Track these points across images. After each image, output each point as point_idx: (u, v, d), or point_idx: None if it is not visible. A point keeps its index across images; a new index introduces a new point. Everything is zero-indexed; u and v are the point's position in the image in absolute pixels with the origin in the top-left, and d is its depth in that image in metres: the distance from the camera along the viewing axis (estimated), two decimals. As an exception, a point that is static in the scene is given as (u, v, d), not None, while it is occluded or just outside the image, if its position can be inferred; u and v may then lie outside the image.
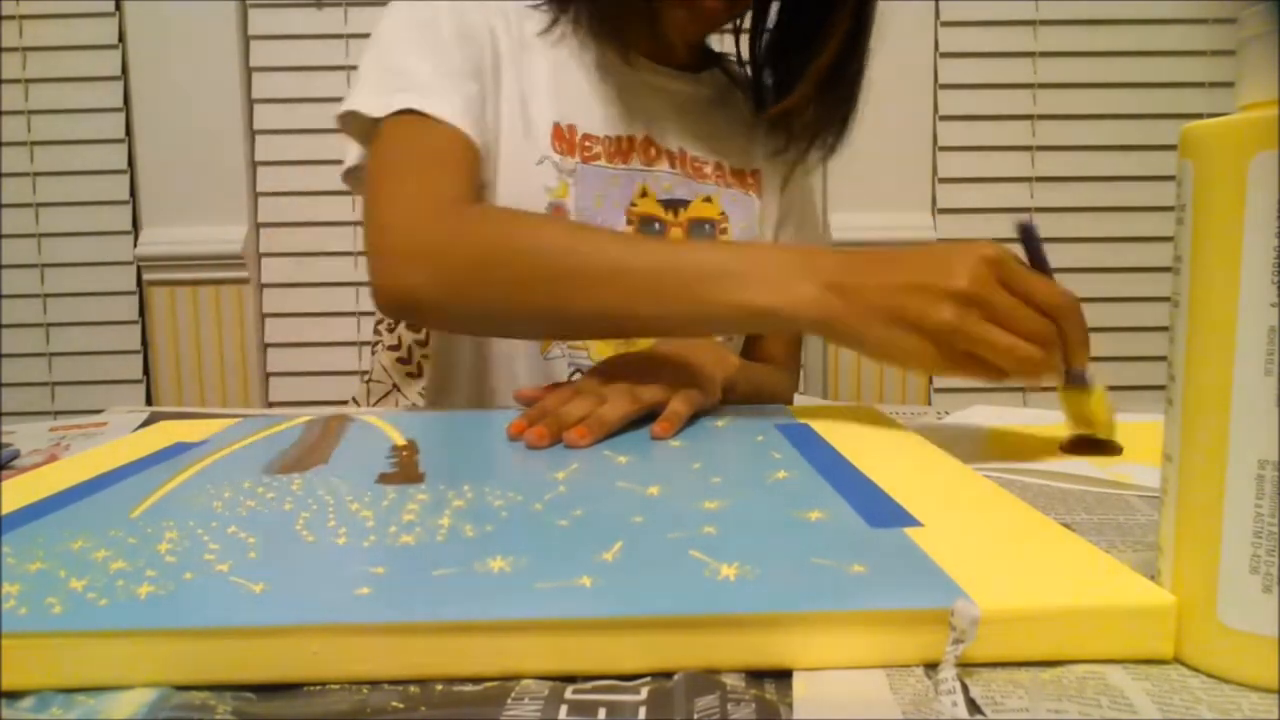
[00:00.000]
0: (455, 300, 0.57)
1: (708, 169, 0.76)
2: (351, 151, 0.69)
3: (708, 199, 0.74)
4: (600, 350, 0.72)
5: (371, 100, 0.64)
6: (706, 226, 0.74)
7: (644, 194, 0.72)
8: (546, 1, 0.72)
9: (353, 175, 0.70)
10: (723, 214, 0.74)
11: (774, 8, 0.76)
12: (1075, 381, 0.48)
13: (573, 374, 0.71)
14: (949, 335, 0.45)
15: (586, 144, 0.71)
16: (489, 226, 0.58)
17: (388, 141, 0.63)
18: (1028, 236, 0.50)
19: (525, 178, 0.69)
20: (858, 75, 0.73)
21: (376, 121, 0.64)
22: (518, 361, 0.72)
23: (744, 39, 0.79)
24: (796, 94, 0.71)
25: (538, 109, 0.70)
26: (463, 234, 0.57)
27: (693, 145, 0.76)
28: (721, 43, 0.82)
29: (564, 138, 0.70)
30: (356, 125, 0.66)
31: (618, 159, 0.72)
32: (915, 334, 0.46)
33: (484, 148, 0.67)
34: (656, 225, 0.72)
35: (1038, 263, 0.49)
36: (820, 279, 0.48)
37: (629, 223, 0.71)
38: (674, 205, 0.73)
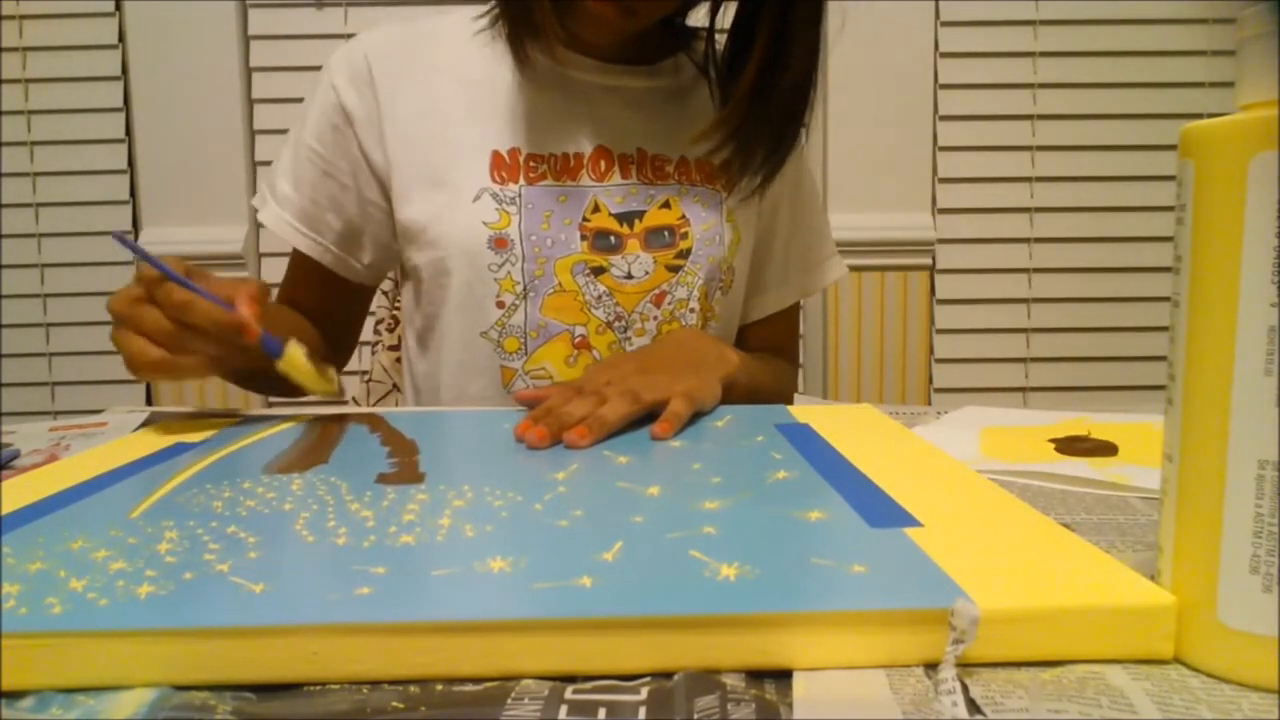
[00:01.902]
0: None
1: (669, 167, 0.72)
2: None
3: (666, 204, 0.71)
4: (565, 374, 0.70)
5: (257, 199, 0.75)
6: (665, 233, 0.71)
7: (596, 209, 0.70)
8: (508, 30, 0.69)
9: None
10: (682, 218, 0.71)
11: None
12: (270, 350, 0.53)
13: None
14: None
15: (531, 164, 0.69)
16: None
17: None
18: (123, 243, 0.54)
19: (458, 220, 0.68)
20: (794, 90, 0.67)
21: None
22: (475, 399, 0.72)
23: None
24: (725, 110, 0.68)
25: (473, 141, 0.69)
26: None
27: (651, 143, 0.72)
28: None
29: (505, 164, 0.69)
30: None
31: (565, 176, 0.70)
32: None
33: (346, 232, 0.73)
34: (612, 239, 0.69)
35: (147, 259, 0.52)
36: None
37: (584, 238, 0.69)
38: (629, 217, 0.70)
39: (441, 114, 0.70)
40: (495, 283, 0.68)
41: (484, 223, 0.68)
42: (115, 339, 0.52)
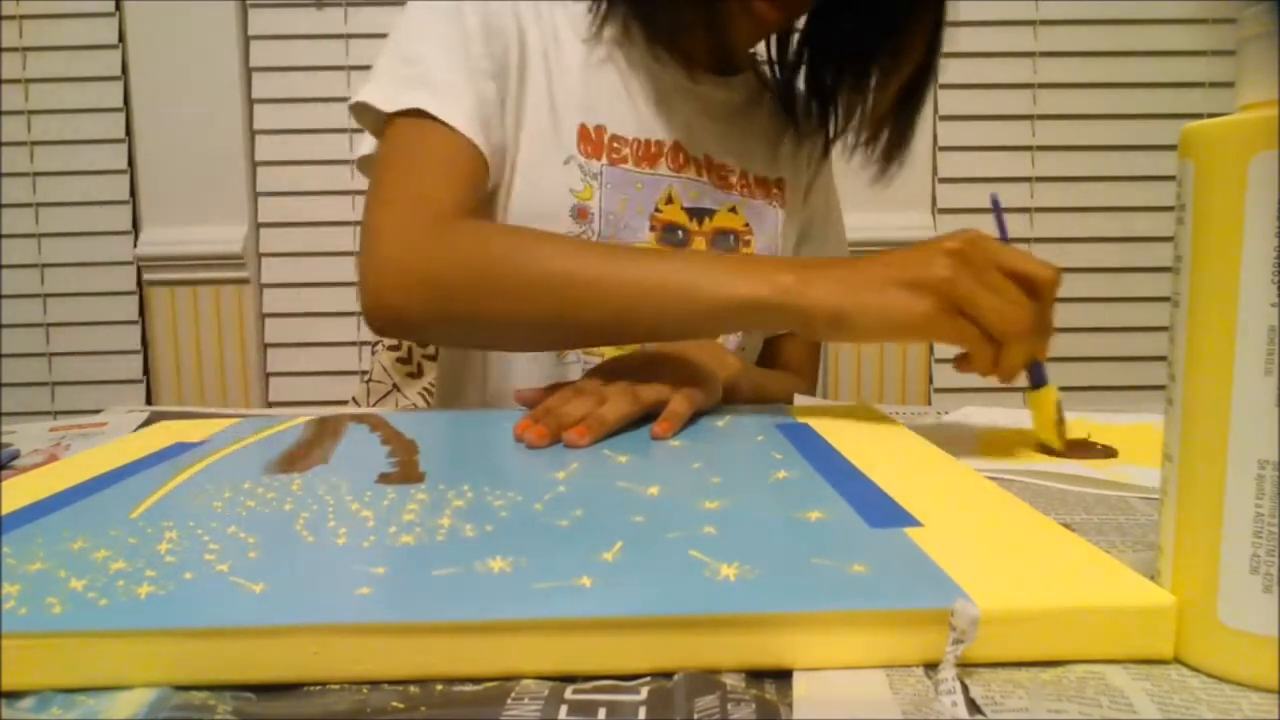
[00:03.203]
0: (444, 321, 0.57)
1: (733, 178, 0.75)
2: (365, 141, 0.67)
3: (733, 209, 0.73)
4: (612, 355, 0.70)
5: (381, 93, 0.63)
6: (730, 237, 0.72)
7: (669, 200, 0.70)
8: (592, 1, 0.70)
9: (366, 162, 0.68)
10: (746, 225, 0.73)
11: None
12: (1036, 378, 0.49)
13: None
14: (947, 288, 0.45)
15: (614, 146, 0.70)
16: (480, 245, 0.57)
17: (391, 142, 0.63)
18: (995, 207, 0.51)
19: (551, 177, 0.67)
20: (926, 89, 0.69)
21: (388, 114, 0.63)
22: (530, 364, 0.71)
23: (773, 40, 0.77)
24: (872, 118, 0.69)
25: (566, 109, 0.68)
26: (454, 252, 0.56)
27: (720, 152, 0.74)
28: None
29: (591, 139, 0.69)
30: (368, 116, 0.65)
31: (644, 163, 0.70)
32: (909, 291, 0.46)
33: (497, 149, 0.66)
34: (679, 233, 0.70)
35: (1004, 235, 0.50)
36: (805, 273, 0.49)
37: (652, 229, 0.69)
38: (699, 214, 0.71)
39: (549, 75, 0.68)
40: None
41: (570, 189, 0.68)
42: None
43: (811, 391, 0.85)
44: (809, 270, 0.49)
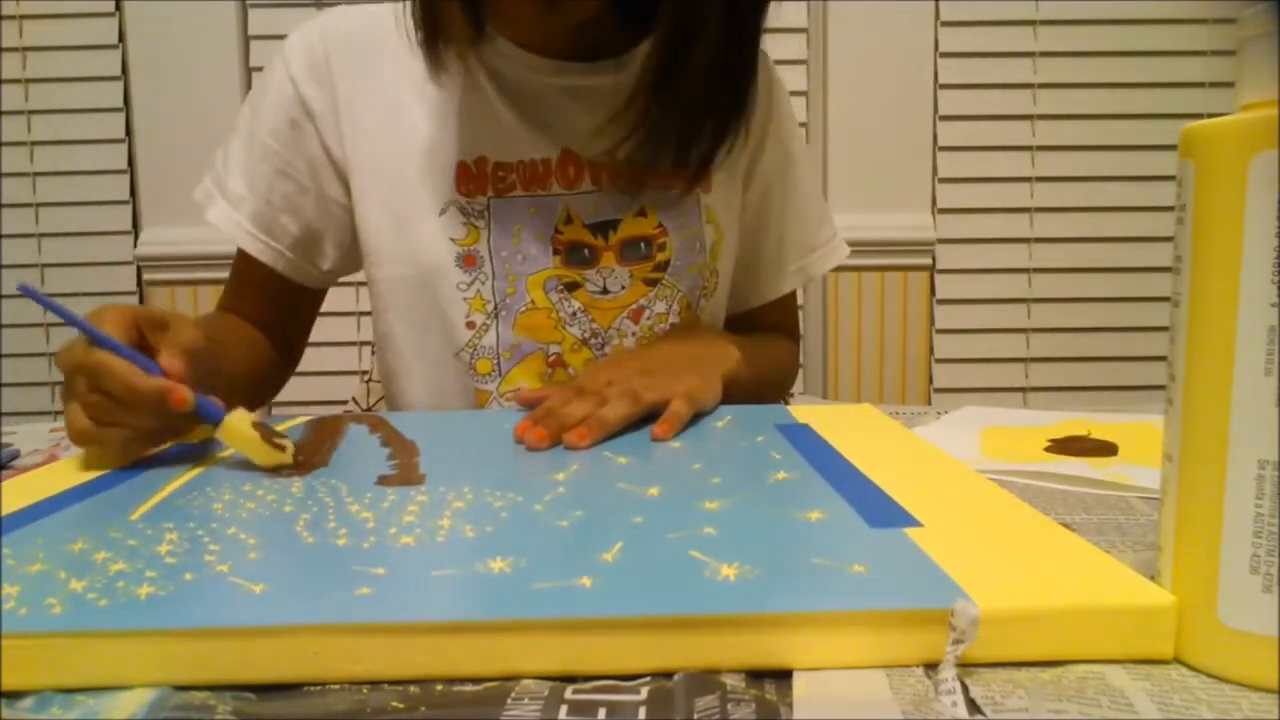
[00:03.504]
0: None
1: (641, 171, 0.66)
2: None
3: (641, 212, 0.67)
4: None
5: (203, 191, 0.70)
6: (641, 245, 0.67)
7: (569, 219, 0.65)
8: (421, 34, 0.63)
9: None
10: (659, 227, 0.67)
11: None
12: (207, 416, 0.44)
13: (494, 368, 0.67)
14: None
15: (500, 174, 0.65)
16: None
17: None
18: (31, 295, 0.45)
19: (425, 231, 0.65)
20: (702, 79, 0.60)
21: None
22: (427, 364, 0.68)
23: None
24: (623, 102, 0.62)
25: (438, 151, 0.65)
26: None
27: (617, 147, 0.65)
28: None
29: (471, 175, 0.65)
30: None
31: (534, 185, 0.65)
32: None
33: (301, 238, 0.69)
34: (585, 251, 0.66)
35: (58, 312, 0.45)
36: None
37: (555, 252, 0.65)
38: (602, 228, 0.66)
39: (404, 118, 0.66)
40: (465, 302, 0.65)
41: (451, 239, 0.64)
42: (62, 399, 0.46)
43: (798, 352, 0.82)
44: None
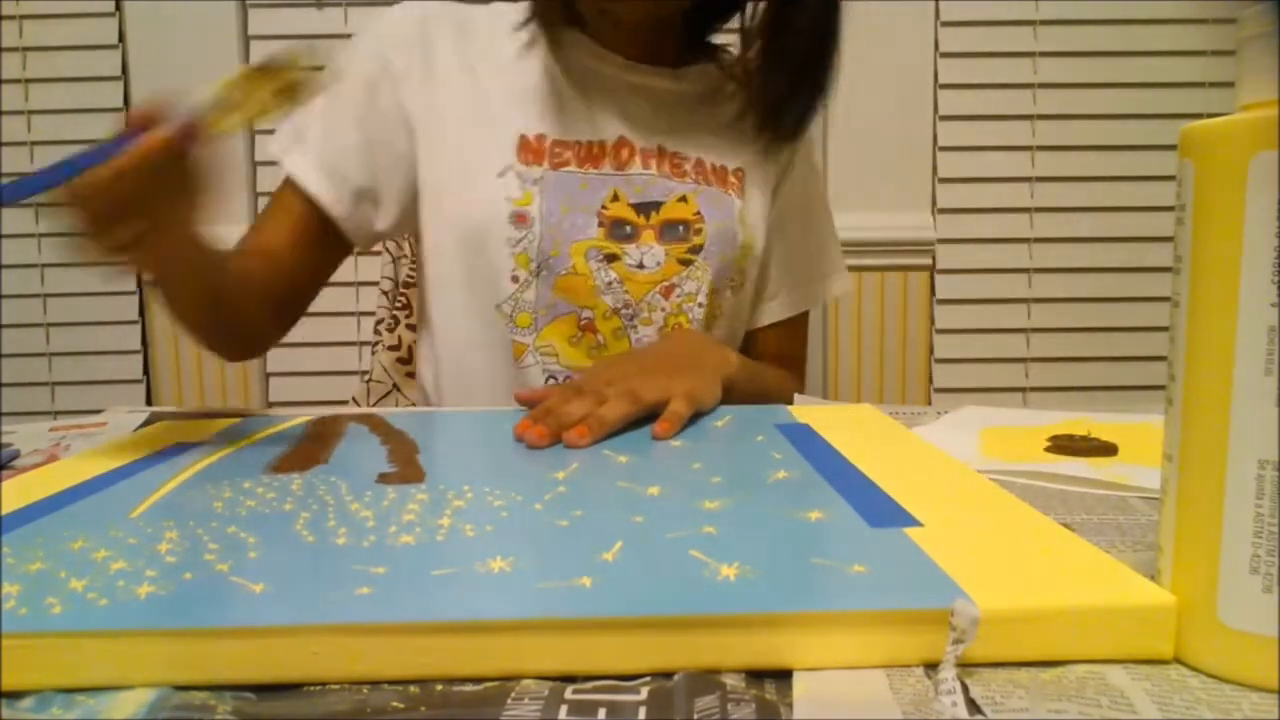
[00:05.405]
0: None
1: (687, 165, 0.75)
2: None
3: (683, 199, 0.73)
4: (568, 353, 0.71)
5: (278, 143, 0.73)
6: (680, 228, 0.73)
7: (615, 198, 0.72)
8: (524, 17, 0.73)
9: None
10: (698, 214, 0.73)
11: None
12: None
13: (547, 380, 0.71)
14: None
15: (557, 150, 0.71)
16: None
17: None
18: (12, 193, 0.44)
19: (485, 187, 0.70)
20: (810, 32, 0.70)
21: None
22: (488, 373, 0.73)
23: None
24: (740, 53, 0.72)
25: (504, 122, 0.72)
26: None
27: (671, 141, 0.75)
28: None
29: (531, 148, 0.71)
30: None
31: (588, 164, 0.72)
32: None
33: (367, 187, 0.72)
34: (628, 228, 0.72)
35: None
36: None
37: (600, 224, 0.71)
38: (645, 208, 0.72)
39: (480, 89, 0.72)
40: (511, 258, 0.70)
41: (507, 197, 0.70)
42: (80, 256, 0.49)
43: (801, 387, 0.85)
44: None
